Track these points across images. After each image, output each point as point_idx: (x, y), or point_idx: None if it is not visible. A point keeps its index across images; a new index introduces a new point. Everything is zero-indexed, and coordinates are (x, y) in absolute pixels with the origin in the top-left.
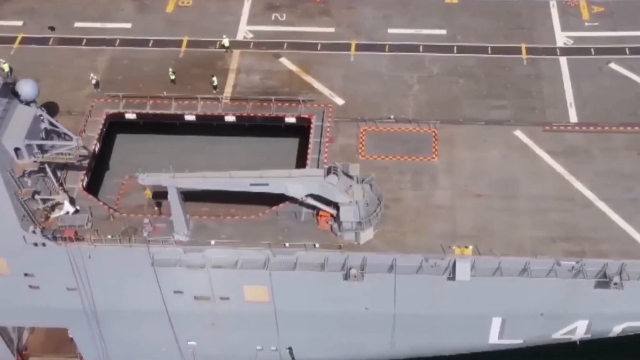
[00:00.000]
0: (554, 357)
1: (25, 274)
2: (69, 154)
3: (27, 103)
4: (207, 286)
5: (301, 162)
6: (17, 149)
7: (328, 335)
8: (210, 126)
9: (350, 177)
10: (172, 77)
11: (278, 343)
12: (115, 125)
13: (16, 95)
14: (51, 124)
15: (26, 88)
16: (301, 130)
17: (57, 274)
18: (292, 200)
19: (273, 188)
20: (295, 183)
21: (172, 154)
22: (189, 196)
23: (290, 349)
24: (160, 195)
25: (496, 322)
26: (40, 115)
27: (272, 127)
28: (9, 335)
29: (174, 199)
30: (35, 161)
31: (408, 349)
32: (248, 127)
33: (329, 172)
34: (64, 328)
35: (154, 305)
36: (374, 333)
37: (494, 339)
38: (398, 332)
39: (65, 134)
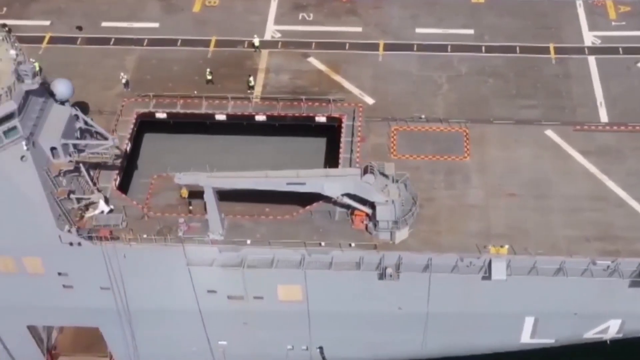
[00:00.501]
0: (583, 356)
1: (59, 273)
2: (105, 154)
3: (62, 102)
4: (241, 285)
5: (330, 162)
6: (53, 149)
7: (360, 335)
8: (235, 126)
9: (386, 176)
10: (209, 77)
11: (309, 342)
12: (142, 125)
13: (51, 94)
14: (86, 123)
15: (61, 87)
16: (329, 129)
17: (91, 273)
18: (326, 199)
19: (310, 187)
20: (332, 182)
21: (199, 153)
22: (220, 195)
23: (321, 348)
24: (191, 194)
25: (529, 322)
26: (76, 115)
27: (298, 127)
28: (40, 335)
29: (210, 198)
30: (70, 161)
31: (439, 348)
32: (275, 126)
33: (365, 171)
34: (94, 327)
35: (187, 304)
36: (406, 332)
37: (526, 338)
38: (430, 332)
39: (99, 133)
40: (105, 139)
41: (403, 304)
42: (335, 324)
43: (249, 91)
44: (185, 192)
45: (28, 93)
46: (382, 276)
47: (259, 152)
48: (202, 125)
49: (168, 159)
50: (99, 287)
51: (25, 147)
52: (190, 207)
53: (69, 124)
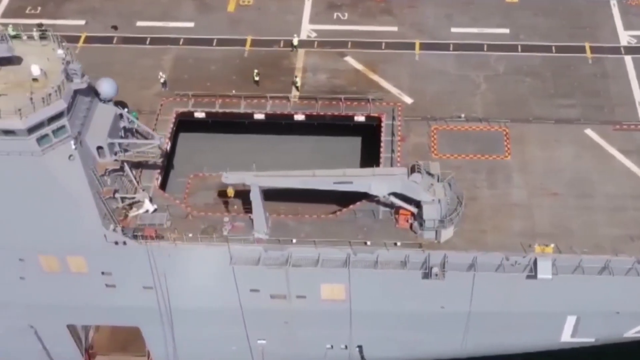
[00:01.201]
0: (620, 355)
1: (103, 273)
2: (151, 153)
3: (105, 102)
4: (284, 284)
5: (366, 161)
6: (99, 148)
7: (400, 334)
8: (270, 125)
9: (431, 175)
10: (257, 78)
11: (349, 341)
12: (177, 124)
13: (96, 94)
14: (129, 121)
15: (106, 87)
16: (365, 129)
17: (135, 273)
18: (369, 198)
19: (357, 186)
20: (380, 181)
21: (235, 152)
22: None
23: (360, 347)
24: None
25: (570, 320)
26: (120, 114)
27: (332, 126)
28: (78, 334)
29: (255, 197)
30: (116, 160)
31: (479, 348)
32: (310, 126)
33: (412, 170)
34: (134, 327)
35: (229, 303)
36: (447, 331)
37: (566, 337)
38: (471, 331)
39: (142, 132)
40: (146, 138)
41: (446, 303)
42: (377, 323)
43: (298, 92)
44: (231, 192)
45: (76, 92)
46: (427, 275)
47: (294, 151)
48: (237, 124)
49: (204, 158)
50: (142, 286)
51: (73, 146)
52: (235, 207)
53: (114, 123)
